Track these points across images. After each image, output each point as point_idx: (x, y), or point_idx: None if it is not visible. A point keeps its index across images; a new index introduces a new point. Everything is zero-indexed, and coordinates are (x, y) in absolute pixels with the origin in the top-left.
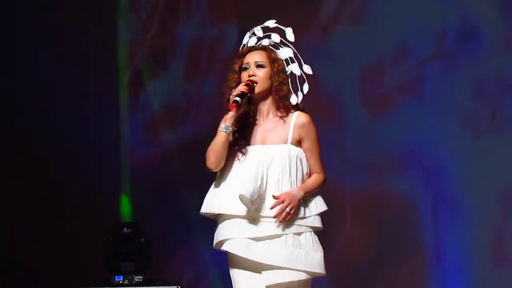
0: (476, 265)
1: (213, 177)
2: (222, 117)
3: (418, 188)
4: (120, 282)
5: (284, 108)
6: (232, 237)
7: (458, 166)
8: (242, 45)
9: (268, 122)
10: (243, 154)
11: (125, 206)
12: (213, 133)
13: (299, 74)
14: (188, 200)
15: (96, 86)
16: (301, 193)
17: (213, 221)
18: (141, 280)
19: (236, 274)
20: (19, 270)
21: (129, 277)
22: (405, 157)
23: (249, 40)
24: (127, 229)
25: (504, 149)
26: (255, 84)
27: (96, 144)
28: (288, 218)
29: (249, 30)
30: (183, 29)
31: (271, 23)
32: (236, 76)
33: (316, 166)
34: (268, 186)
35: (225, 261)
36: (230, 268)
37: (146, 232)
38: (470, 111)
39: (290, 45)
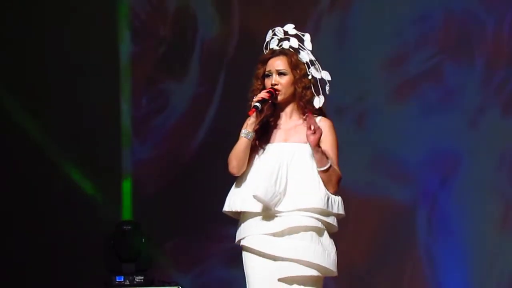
0: (474, 269)
1: (214, 177)
2: (223, 119)
3: (417, 191)
4: (121, 282)
5: (309, 112)
6: (253, 233)
7: (458, 168)
8: (265, 42)
9: (292, 122)
10: (264, 151)
11: (126, 205)
12: (213, 134)
13: (320, 77)
14: (190, 200)
15: (98, 87)
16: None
17: (230, 218)
18: (142, 280)
19: (251, 270)
20: (19, 270)
21: (130, 277)
22: (404, 160)
23: (270, 41)
24: (127, 229)
25: (503, 153)
26: (277, 92)
27: (98, 144)
28: (316, 132)
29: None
30: (185, 30)
31: (290, 28)
32: (259, 83)
33: None
34: (288, 183)
35: (226, 261)
36: (244, 262)
37: (147, 232)
38: (470, 113)
39: (309, 52)
